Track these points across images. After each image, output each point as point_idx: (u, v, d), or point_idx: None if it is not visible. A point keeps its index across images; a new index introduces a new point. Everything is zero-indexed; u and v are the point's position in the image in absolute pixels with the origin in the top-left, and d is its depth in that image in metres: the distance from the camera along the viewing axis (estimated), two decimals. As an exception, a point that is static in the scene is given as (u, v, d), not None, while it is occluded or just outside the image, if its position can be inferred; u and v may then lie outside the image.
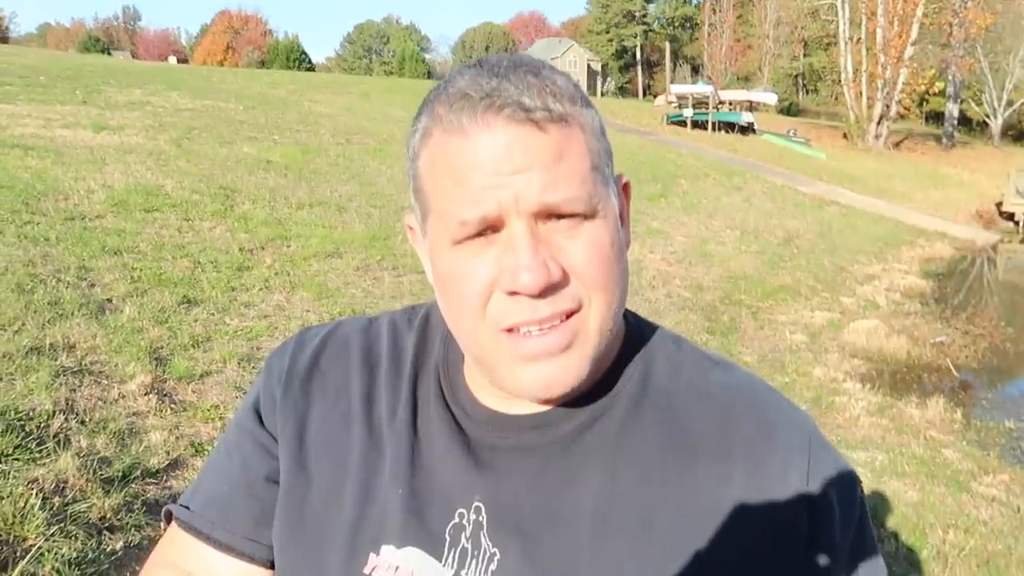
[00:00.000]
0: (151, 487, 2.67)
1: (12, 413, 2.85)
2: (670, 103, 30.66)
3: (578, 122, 0.61)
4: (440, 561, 0.64)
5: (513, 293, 0.59)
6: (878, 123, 31.43)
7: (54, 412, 2.95)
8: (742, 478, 0.63)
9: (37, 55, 24.66)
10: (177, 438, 3.01)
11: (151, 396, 3.28)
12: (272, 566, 0.73)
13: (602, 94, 65.98)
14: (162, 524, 0.79)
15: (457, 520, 0.65)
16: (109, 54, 51.31)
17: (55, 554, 2.16)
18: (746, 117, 27.88)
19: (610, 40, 73.60)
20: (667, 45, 56.98)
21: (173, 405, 3.28)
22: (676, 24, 71.96)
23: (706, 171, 15.56)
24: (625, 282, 0.64)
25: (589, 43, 74.72)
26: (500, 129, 0.57)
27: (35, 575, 2.07)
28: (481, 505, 0.64)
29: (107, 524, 2.39)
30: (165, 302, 4.37)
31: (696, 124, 26.90)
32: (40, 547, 2.17)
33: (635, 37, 72.91)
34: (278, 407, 0.73)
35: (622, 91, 72.55)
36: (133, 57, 57.97)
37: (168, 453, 2.89)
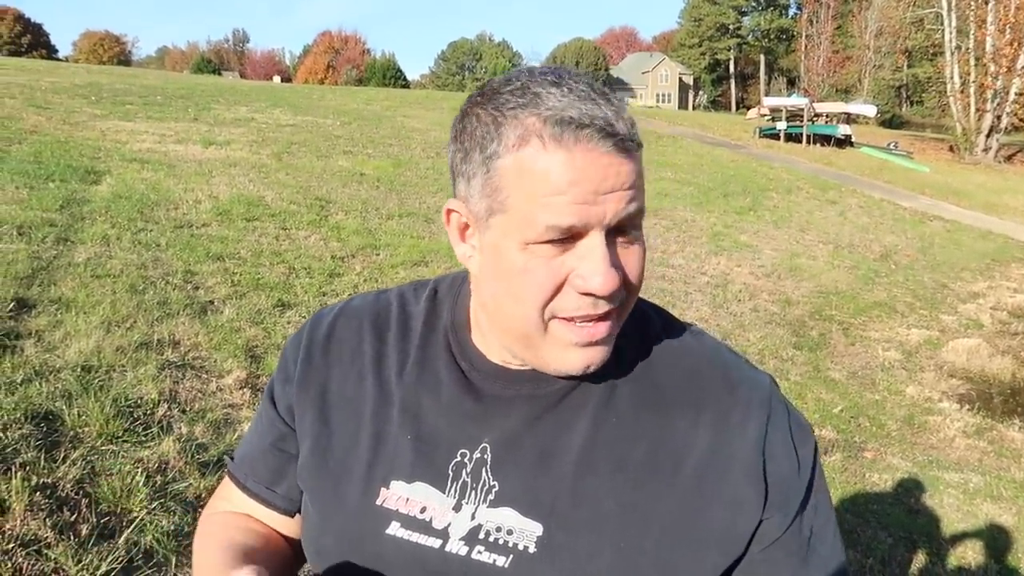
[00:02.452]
0: (243, 472, 2.85)
1: (123, 400, 3.10)
2: (763, 116, 29.93)
3: (637, 158, 0.69)
4: (444, 492, 0.75)
5: (587, 294, 0.67)
6: (988, 135, 29.74)
7: (159, 401, 3.19)
8: (708, 428, 0.74)
9: (155, 76, 26.36)
10: (268, 429, 3.19)
11: (245, 390, 3.49)
12: (287, 512, 0.87)
13: (694, 107, 65.03)
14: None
15: (459, 459, 0.75)
16: (219, 74, 54.24)
17: (155, 526, 2.35)
18: (843, 130, 26.92)
19: (703, 54, 72.53)
20: (762, 58, 55.65)
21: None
22: (771, 36, 70.27)
23: (799, 184, 15.14)
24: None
25: (681, 57, 73.83)
26: (601, 154, 0.65)
27: (138, 544, 2.26)
28: (487, 445, 0.75)
29: (202, 503, 2.58)
30: (261, 305, 4.63)
31: (790, 137, 26.17)
32: (143, 519, 2.36)
33: (729, 50, 71.60)
34: (296, 382, 0.84)
35: (714, 104, 71.31)
36: (241, 77, 61.10)
37: (259, 442, 3.07)
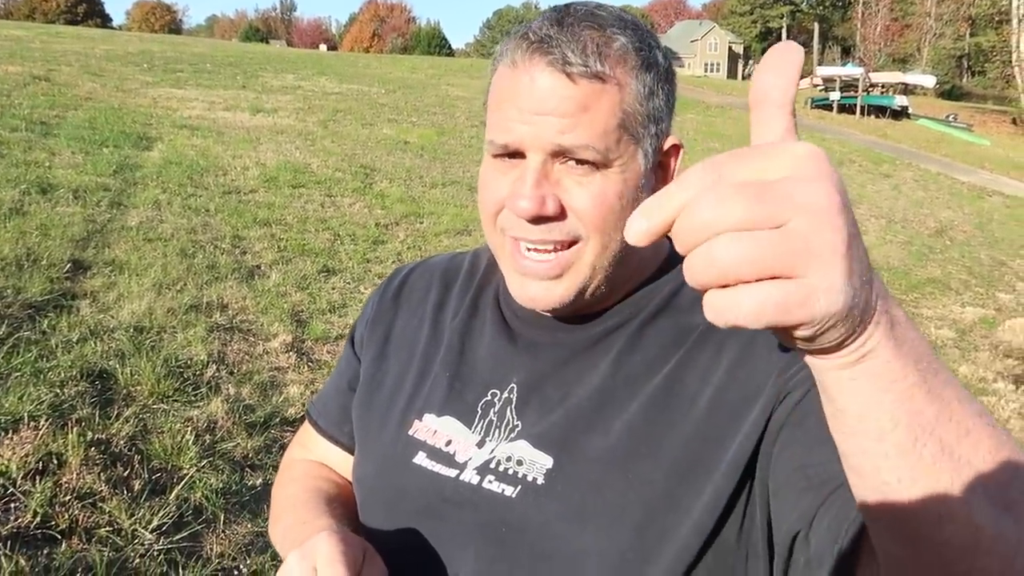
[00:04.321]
0: (288, 434, 2.90)
1: (173, 361, 3.18)
2: (815, 86, 29.08)
3: (618, 82, 0.67)
4: (470, 429, 0.76)
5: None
6: (1056, 107, 28.51)
7: (207, 362, 3.26)
8: (729, 360, 0.69)
9: (205, 44, 26.67)
10: (312, 392, 3.24)
11: (291, 354, 3.55)
12: (350, 451, 0.90)
13: (743, 77, 63.50)
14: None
15: (488, 398, 0.77)
16: (267, 43, 54.65)
17: (204, 483, 2.41)
18: (899, 101, 26.04)
19: (754, 22, 70.55)
20: (815, 26, 54.03)
21: (310, 363, 3.53)
22: (826, 3, 68.00)
23: (851, 157, 14.72)
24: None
25: (731, 25, 71.95)
26: (538, 73, 0.65)
27: (188, 499, 2.32)
28: (515, 385, 0.76)
29: (249, 462, 2.64)
30: (307, 270, 4.69)
31: (843, 108, 25.42)
32: (192, 476, 2.43)
33: (781, 18, 69.50)
34: (369, 324, 0.91)
35: (765, 74, 69.24)
36: (288, 45, 61.42)
37: (303, 405, 3.13)
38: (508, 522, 0.70)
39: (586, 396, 0.72)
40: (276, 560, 2.16)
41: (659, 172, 0.73)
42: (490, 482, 0.72)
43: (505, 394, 0.76)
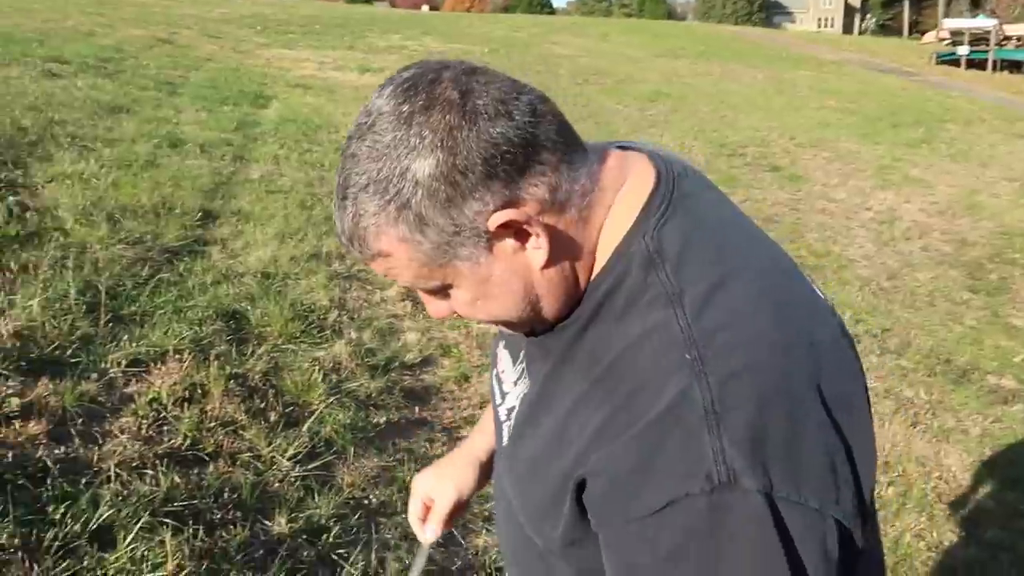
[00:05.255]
0: (407, 377, 3.00)
1: (299, 305, 3.33)
2: (941, 40, 27.10)
3: (384, 253, 0.66)
4: (514, 364, 0.87)
5: None
6: None
7: (330, 308, 3.40)
8: (612, 414, 0.66)
9: (313, 6, 27.27)
10: (428, 340, 3.34)
11: (407, 302, 3.65)
12: None
13: (860, 32, 59.90)
14: None
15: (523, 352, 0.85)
16: (372, 4, 55.39)
17: (333, 419, 2.53)
18: (1038, 55, 23.96)
19: (874, -28, 66.14)
20: (944, -25, 50.12)
21: (425, 311, 3.62)
22: (957, -50, 62.87)
23: (981, 115, 13.71)
24: (512, 279, 0.69)
25: (849, -24, 67.73)
26: None
27: (319, 433, 2.45)
28: (525, 352, 0.85)
29: (372, 402, 2.75)
30: (418, 223, 4.78)
31: (972, 64, 23.62)
32: (321, 412, 2.55)
33: (905, -33, 64.82)
34: None
35: (883, 28, 65.27)
36: (391, 6, 62.08)
37: (420, 351, 3.22)
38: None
39: (541, 378, 0.78)
40: (403, 491, 2.26)
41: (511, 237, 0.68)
42: (507, 425, 0.85)
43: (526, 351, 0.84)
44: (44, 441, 2.11)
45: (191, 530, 1.89)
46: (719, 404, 0.60)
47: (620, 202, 0.71)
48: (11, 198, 3.75)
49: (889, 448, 3.12)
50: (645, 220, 0.69)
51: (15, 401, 2.21)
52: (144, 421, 2.28)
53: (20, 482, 1.92)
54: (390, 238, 0.65)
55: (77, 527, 1.80)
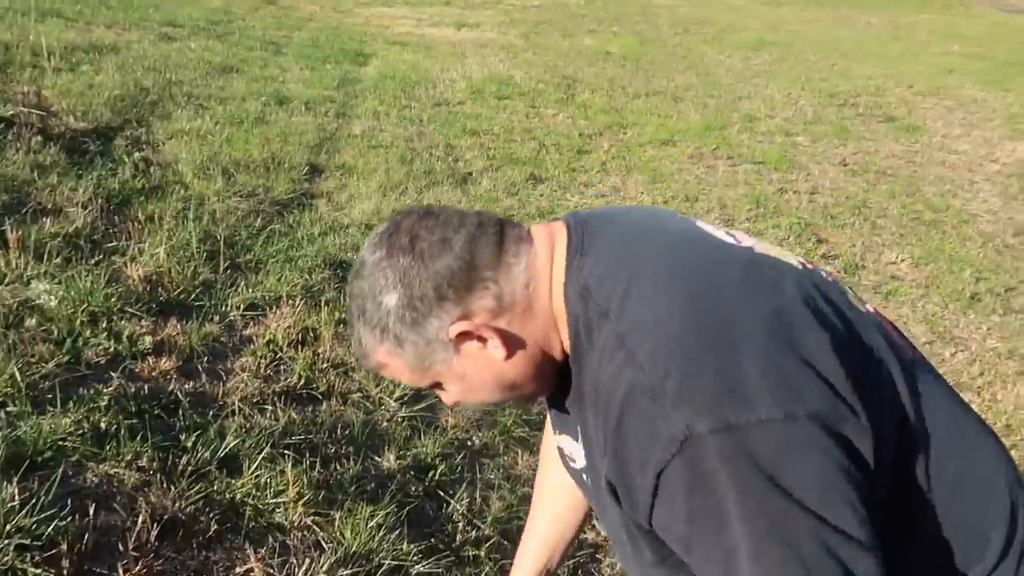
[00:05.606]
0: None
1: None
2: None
3: (385, 360, 0.87)
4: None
5: None
6: None
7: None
8: (604, 429, 0.80)
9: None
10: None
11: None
12: None
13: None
14: None
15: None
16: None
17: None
18: None
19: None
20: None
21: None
22: None
23: None
24: (484, 371, 0.86)
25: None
26: None
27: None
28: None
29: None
30: (515, 178, 4.80)
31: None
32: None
33: None
34: None
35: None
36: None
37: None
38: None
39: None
40: (504, 435, 2.32)
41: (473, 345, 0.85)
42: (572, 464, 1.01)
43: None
44: (175, 376, 2.27)
45: (308, 462, 2.00)
46: (656, 377, 0.71)
47: (555, 266, 0.85)
48: (137, 154, 3.99)
49: (1012, 411, 2.96)
50: (570, 270, 0.84)
51: (148, 339, 2.38)
52: (262, 361, 2.41)
53: (156, 412, 2.07)
54: (381, 353, 0.86)
55: (207, 454, 1.93)
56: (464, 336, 0.82)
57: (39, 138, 3.77)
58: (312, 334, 2.62)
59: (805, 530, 0.67)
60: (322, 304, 2.78)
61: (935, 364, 1.23)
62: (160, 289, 2.72)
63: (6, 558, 1.53)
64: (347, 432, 2.20)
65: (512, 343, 0.83)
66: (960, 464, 0.83)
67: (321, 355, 2.51)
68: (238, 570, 1.69)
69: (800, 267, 0.85)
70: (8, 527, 1.57)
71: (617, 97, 7.32)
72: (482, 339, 0.82)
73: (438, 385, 0.89)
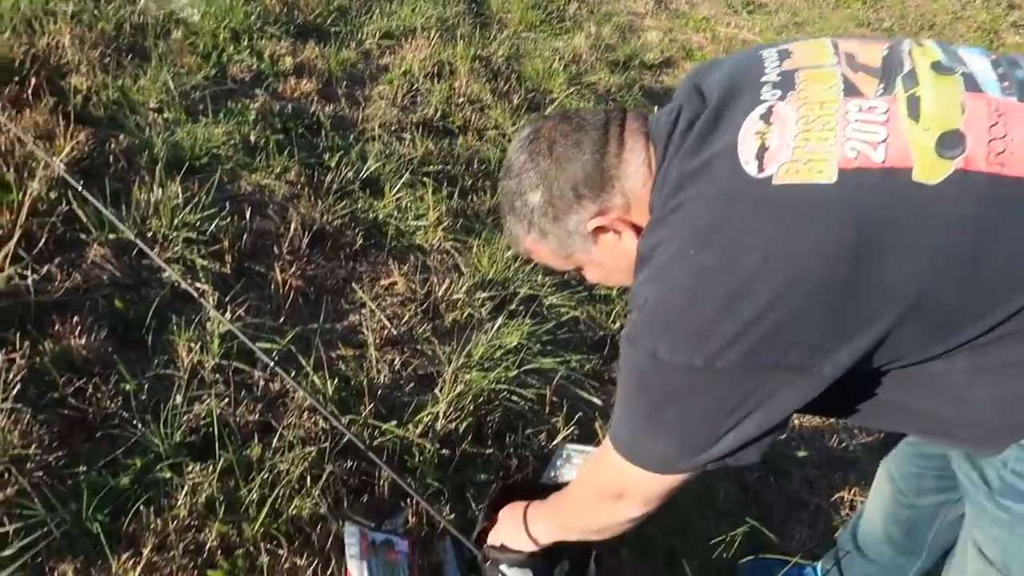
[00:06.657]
0: (646, 76, 2.88)
1: (538, -7, 3.19)
2: None
3: (532, 247, 0.99)
4: None
5: None
6: None
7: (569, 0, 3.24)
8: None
9: None
10: (671, 40, 3.13)
11: (649, 1, 3.39)
12: None
13: None
14: None
15: None
16: None
17: (571, 103, 2.50)
18: None
19: None
20: None
21: (667, 11, 3.37)
22: None
23: None
24: (620, 259, 0.94)
25: None
26: None
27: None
28: None
29: (612, 96, 2.68)
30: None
31: None
32: (560, 100, 2.53)
33: None
34: None
35: None
36: None
37: (662, 52, 3.04)
38: None
39: None
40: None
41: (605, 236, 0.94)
42: None
43: None
44: (315, 98, 2.27)
45: (447, 191, 2.02)
46: (648, 299, 0.83)
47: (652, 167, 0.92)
48: None
49: None
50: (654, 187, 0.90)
51: (288, 60, 2.36)
52: (400, 90, 2.38)
53: (300, 131, 2.10)
54: (528, 242, 0.99)
55: (350, 174, 1.97)
56: (600, 229, 0.92)
57: None
58: (448, 68, 2.54)
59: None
60: (458, 38, 2.67)
61: None
62: (296, 12, 2.65)
63: (176, 247, 1.64)
64: (483, 167, 2.19)
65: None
66: None
67: (457, 89, 2.44)
68: (383, 282, 1.77)
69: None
70: (176, 221, 1.67)
71: None
72: (617, 231, 0.92)
73: (579, 269, 1.01)
